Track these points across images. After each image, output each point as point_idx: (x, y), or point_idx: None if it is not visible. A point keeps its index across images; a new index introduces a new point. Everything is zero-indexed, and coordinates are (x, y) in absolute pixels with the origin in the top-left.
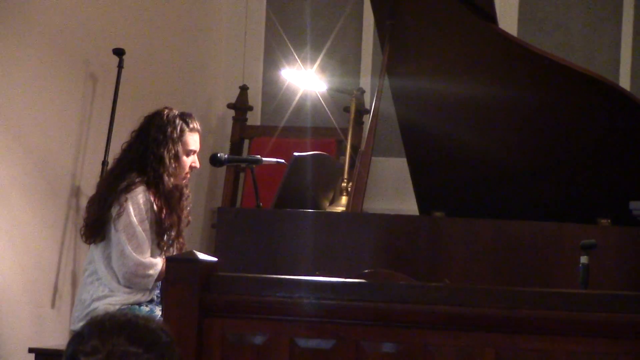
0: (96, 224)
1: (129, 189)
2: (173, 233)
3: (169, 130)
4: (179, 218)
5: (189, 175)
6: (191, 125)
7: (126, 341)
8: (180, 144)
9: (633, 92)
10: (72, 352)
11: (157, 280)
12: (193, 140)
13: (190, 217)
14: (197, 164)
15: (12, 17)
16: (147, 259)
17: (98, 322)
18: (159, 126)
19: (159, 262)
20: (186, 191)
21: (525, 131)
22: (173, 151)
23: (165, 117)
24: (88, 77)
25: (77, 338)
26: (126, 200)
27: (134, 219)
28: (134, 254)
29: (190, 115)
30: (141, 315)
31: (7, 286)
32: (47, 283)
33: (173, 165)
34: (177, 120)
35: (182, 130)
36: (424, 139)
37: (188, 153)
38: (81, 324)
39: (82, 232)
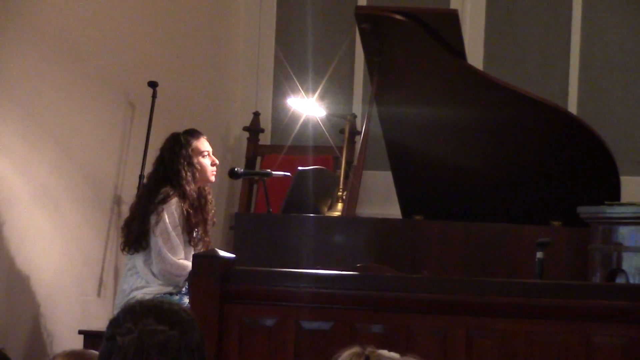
0: (140, 236)
1: (164, 200)
2: (200, 231)
3: (177, 148)
4: (205, 219)
5: (215, 173)
6: (195, 134)
7: (154, 321)
8: (191, 152)
9: (579, 115)
10: (110, 334)
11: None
12: (202, 144)
13: (215, 219)
14: (217, 161)
15: (66, 58)
16: (180, 260)
17: (130, 307)
18: (169, 148)
19: (189, 266)
20: (209, 197)
21: (489, 147)
22: (185, 162)
23: (172, 139)
24: (127, 105)
25: (113, 322)
26: (162, 210)
27: (169, 226)
28: (169, 254)
29: (192, 129)
30: (165, 300)
31: (61, 278)
32: (93, 275)
33: (189, 174)
34: (181, 137)
35: (188, 142)
36: (405, 155)
37: (203, 155)
38: None
39: (122, 247)
